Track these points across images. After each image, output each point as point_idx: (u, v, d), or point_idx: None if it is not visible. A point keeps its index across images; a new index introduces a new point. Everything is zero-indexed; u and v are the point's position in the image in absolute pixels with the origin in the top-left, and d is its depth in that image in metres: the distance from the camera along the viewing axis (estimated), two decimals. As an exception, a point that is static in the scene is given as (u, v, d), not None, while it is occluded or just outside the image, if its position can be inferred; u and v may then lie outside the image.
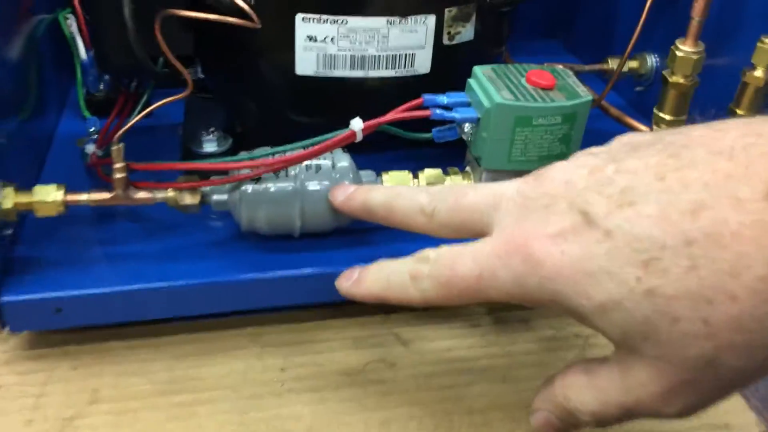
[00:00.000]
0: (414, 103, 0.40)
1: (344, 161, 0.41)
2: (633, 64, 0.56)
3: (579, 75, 0.57)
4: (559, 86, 0.41)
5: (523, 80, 0.41)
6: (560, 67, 0.56)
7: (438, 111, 0.40)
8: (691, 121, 0.44)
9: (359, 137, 0.39)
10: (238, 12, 0.38)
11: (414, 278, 0.31)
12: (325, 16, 0.41)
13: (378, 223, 0.37)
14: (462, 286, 0.29)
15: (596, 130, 0.56)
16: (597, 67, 0.57)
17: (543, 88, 0.40)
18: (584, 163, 0.28)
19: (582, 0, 0.67)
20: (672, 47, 0.42)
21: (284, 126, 0.48)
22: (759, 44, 0.42)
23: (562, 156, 0.42)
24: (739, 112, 0.44)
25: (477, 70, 0.42)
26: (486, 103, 0.39)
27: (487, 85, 0.40)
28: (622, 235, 0.25)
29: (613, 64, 0.57)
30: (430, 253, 0.31)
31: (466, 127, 0.41)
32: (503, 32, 0.49)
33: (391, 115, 0.39)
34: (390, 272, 0.33)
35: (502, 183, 0.31)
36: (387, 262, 0.34)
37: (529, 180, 0.30)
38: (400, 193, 0.35)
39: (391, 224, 0.36)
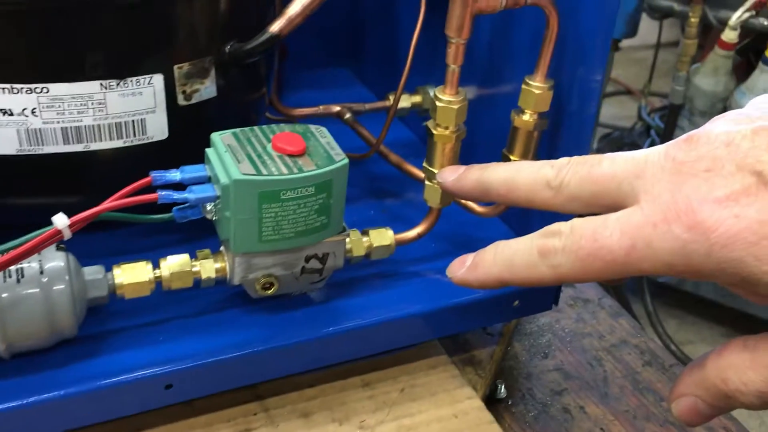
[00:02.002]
0: (139, 184, 0.34)
1: (57, 260, 0.34)
2: (416, 98, 0.53)
3: (362, 114, 0.53)
4: (309, 151, 0.36)
5: (268, 146, 0.35)
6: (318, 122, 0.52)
7: (166, 193, 0.34)
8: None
9: (67, 235, 0.32)
10: None
11: (544, 254, 0.29)
12: (17, 86, 0.34)
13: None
14: (608, 258, 0.27)
15: (377, 173, 0.52)
16: (379, 104, 0.53)
17: (291, 155, 0.35)
18: (740, 121, 0.26)
19: (367, 28, 0.63)
20: (432, 97, 0.38)
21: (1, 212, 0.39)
22: (524, 86, 0.39)
23: (323, 228, 0.37)
24: (513, 157, 0.41)
25: (215, 137, 0.36)
26: (223, 179, 0.34)
27: (225, 156, 0.34)
28: None
29: (394, 100, 0.53)
30: (561, 226, 0.29)
31: (209, 205, 0.35)
32: (256, 81, 0.43)
33: (108, 204, 0.33)
34: (512, 252, 0.31)
35: (642, 150, 0.29)
36: (505, 242, 0.31)
37: (680, 144, 0.27)
38: (521, 167, 0.33)
39: (510, 201, 0.34)
